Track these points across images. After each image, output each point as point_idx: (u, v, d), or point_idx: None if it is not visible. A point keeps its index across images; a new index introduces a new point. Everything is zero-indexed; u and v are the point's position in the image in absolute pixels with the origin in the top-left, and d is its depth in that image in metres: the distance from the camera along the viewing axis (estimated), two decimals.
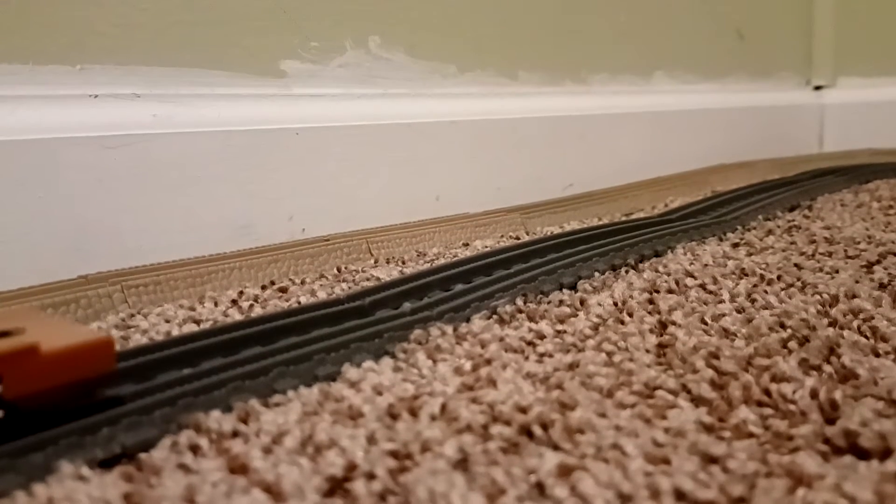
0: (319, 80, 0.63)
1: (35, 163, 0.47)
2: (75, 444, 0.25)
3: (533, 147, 0.78)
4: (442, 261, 0.54)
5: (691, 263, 0.49)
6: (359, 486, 0.22)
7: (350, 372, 0.31)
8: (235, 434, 0.26)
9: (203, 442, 0.25)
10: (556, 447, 0.25)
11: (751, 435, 0.25)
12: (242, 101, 0.57)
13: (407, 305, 0.41)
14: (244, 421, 0.27)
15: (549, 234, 0.63)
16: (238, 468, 0.24)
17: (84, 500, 0.22)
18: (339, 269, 0.53)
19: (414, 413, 0.27)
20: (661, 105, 0.95)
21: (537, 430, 0.25)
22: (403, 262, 0.55)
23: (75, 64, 0.50)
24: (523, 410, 0.27)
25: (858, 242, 0.53)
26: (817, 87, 1.25)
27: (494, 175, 0.74)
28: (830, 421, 0.26)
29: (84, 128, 0.49)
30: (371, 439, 0.25)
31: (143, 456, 0.25)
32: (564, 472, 0.23)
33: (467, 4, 0.74)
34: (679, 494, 0.22)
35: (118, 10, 0.51)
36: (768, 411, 0.27)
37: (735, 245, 0.55)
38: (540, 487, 0.22)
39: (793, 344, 0.33)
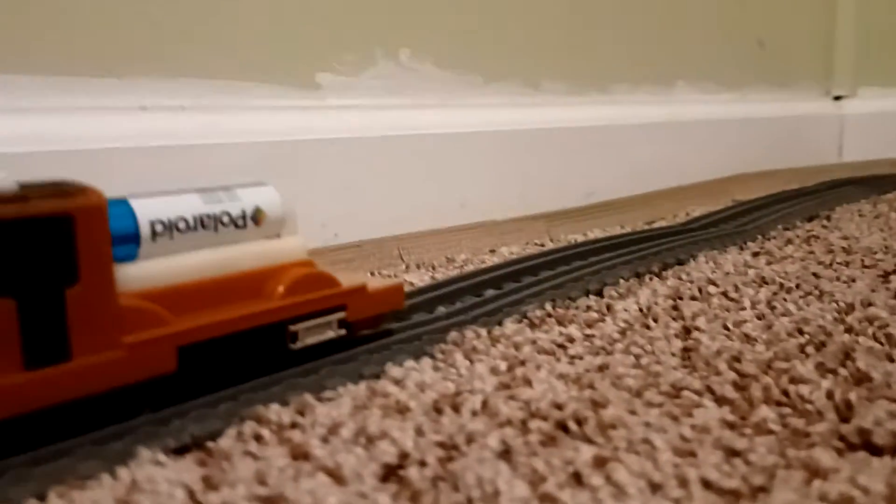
0: (352, 92, 0.65)
1: (88, 172, 0.49)
2: (151, 433, 0.27)
3: (556, 156, 0.80)
4: (471, 267, 0.56)
5: (713, 272, 0.51)
6: (412, 472, 0.24)
7: (393, 370, 0.33)
8: (294, 425, 0.28)
9: (265, 432, 0.27)
10: (590, 441, 0.27)
11: (770, 432, 0.27)
12: (281, 113, 0.60)
13: (441, 309, 0.43)
14: (301, 413, 0.29)
15: (574, 241, 0.65)
16: (300, 455, 0.26)
17: (163, 483, 0.24)
18: (372, 274, 0.55)
19: (456, 408, 0.29)
20: (682, 114, 0.97)
21: (573, 426, 0.28)
22: (434, 268, 0.57)
23: (124, 76, 0.53)
24: (559, 407, 0.29)
25: (875, 252, 0.55)
26: (837, 98, 1.26)
27: (518, 183, 0.76)
28: (845, 420, 0.28)
29: (133, 138, 0.52)
30: (419, 431, 0.27)
31: (211, 444, 0.27)
32: (599, 463, 0.25)
33: (493, 18, 0.76)
34: (705, 483, 0.24)
35: (166, 25, 0.54)
36: (787, 410, 0.29)
37: (755, 254, 0.57)
38: (577, 476, 0.24)
39: (810, 349, 0.35)
